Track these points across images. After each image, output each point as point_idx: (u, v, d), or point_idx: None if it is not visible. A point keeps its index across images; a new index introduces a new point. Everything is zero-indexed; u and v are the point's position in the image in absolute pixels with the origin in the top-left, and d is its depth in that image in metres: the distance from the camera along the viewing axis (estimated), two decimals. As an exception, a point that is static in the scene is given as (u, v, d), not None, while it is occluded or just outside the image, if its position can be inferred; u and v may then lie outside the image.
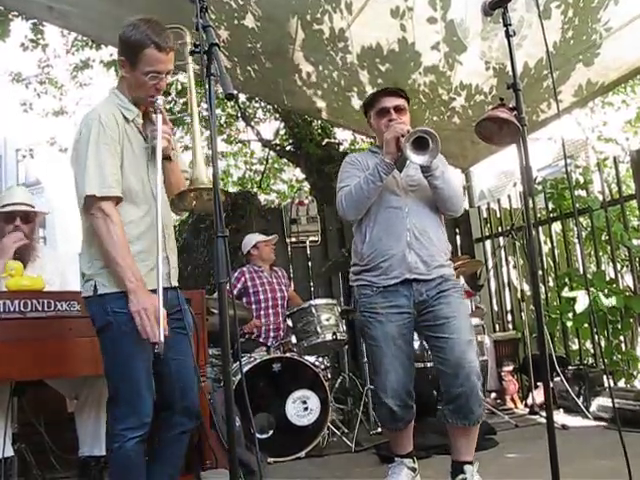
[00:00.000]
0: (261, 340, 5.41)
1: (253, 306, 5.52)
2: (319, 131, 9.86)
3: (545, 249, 7.05)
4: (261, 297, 5.60)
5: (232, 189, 11.37)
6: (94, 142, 2.47)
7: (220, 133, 10.76)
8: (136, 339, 2.42)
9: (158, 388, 2.60)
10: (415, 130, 2.97)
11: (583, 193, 6.42)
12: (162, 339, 2.30)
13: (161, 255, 2.38)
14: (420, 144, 2.97)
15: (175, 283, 2.73)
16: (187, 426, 2.70)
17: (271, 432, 4.45)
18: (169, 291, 2.59)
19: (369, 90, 5.88)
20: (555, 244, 6.74)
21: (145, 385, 2.52)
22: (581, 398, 5.22)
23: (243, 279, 5.63)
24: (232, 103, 9.91)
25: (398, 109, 3.31)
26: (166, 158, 2.65)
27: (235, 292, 5.48)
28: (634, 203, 6.09)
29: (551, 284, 6.63)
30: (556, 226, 6.91)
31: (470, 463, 3.12)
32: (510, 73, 2.17)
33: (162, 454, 2.68)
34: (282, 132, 10.44)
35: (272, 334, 5.50)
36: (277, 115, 10.18)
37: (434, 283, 3.22)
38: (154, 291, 2.43)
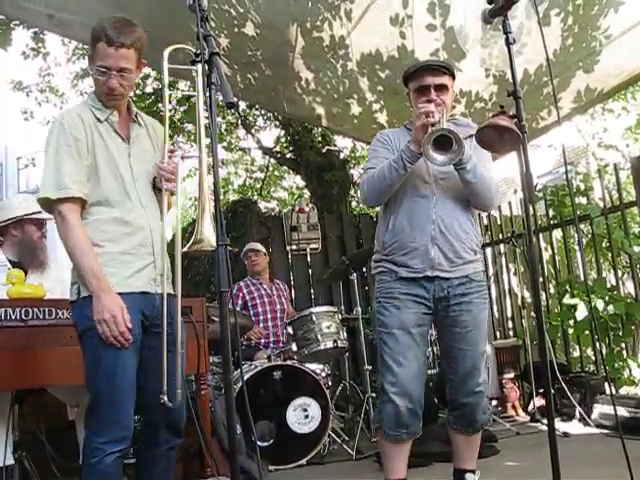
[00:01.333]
0: (261, 347, 5.40)
1: (252, 319, 5.51)
2: (319, 138, 9.88)
3: (546, 256, 7.04)
4: (259, 310, 5.58)
5: (232, 197, 11.39)
6: (54, 144, 2.43)
7: (220, 141, 10.78)
8: (120, 350, 2.36)
9: (141, 404, 2.50)
10: (438, 129, 2.74)
11: (584, 200, 6.42)
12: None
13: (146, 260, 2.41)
14: (443, 143, 2.73)
15: (166, 290, 2.55)
16: (173, 442, 2.62)
17: (272, 440, 4.44)
18: (155, 298, 2.52)
19: (369, 97, 5.89)
20: (556, 251, 6.74)
21: (127, 396, 2.41)
22: (582, 405, 5.20)
23: (241, 294, 5.61)
24: (232, 111, 9.92)
25: (440, 87, 3.02)
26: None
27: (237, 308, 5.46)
28: (635, 210, 6.09)
29: (552, 291, 6.63)
30: (557, 233, 6.91)
31: (472, 472, 3.07)
32: (510, 80, 2.17)
33: (150, 472, 2.60)
34: (282, 140, 10.46)
35: (272, 345, 5.49)
36: (277, 123, 10.20)
37: (457, 282, 3.00)
38: (140, 293, 2.45)
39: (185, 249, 2.44)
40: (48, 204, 2.43)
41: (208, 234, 2.38)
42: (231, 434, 1.78)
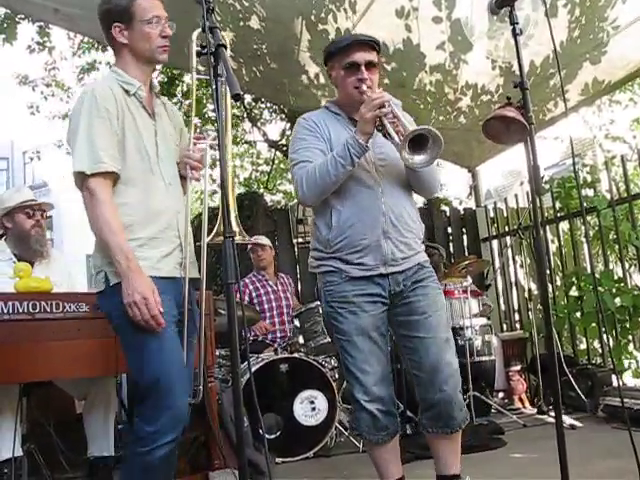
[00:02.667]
0: (268, 342, 5.40)
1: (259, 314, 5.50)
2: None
3: (552, 248, 7.02)
4: (265, 306, 5.56)
5: (238, 190, 11.40)
6: (86, 115, 2.29)
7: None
8: (164, 329, 2.25)
9: None
10: (416, 129, 2.47)
11: (590, 192, 6.40)
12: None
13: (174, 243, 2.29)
14: (416, 140, 2.47)
15: (190, 274, 2.45)
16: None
17: (279, 432, 4.45)
18: (180, 283, 2.41)
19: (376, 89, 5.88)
20: (562, 243, 6.72)
21: (178, 381, 2.27)
22: (589, 398, 5.20)
23: (247, 290, 5.60)
24: (238, 104, 9.93)
25: (370, 65, 2.76)
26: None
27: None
28: (641, 202, 6.07)
29: (558, 283, 6.61)
30: (563, 225, 6.89)
31: (458, 477, 2.74)
32: (517, 72, 2.16)
33: None
34: (288, 132, 10.47)
35: (279, 340, 5.49)
36: (283, 115, 10.21)
37: (411, 272, 2.77)
38: (167, 279, 2.33)
39: (208, 239, 2.47)
40: (81, 179, 2.28)
41: (233, 225, 2.34)
42: (239, 426, 1.78)
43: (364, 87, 2.71)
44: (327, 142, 2.78)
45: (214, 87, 1.78)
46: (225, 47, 1.78)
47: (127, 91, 2.40)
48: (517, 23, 2.05)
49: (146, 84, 2.49)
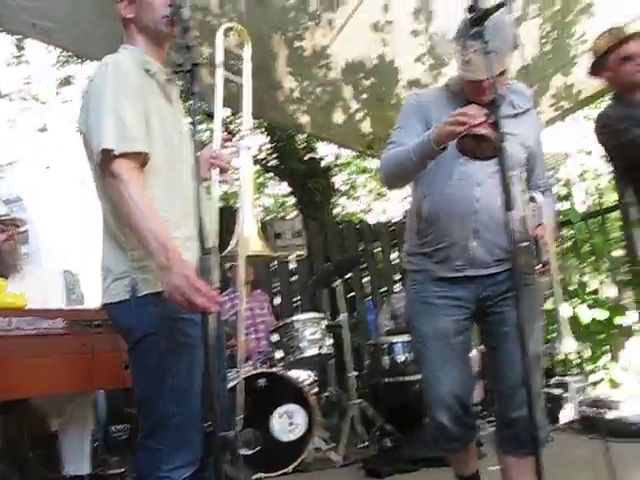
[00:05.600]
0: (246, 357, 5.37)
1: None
2: (303, 145, 9.91)
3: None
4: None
5: (218, 203, 11.37)
6: (111, 87, 1.99)
7: (203, 148, 10.76)
8: (195, 352, 1.94)
9: None
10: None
11: (565, 205, 6.48)
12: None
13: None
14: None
15: (216, 284, 2.08)
16: None
17: (257, 448, 4.43)
18: None
19: (353, 105, 5.93)
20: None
21: (198, 409, 2.02)
22: (566, 409, 5.25)
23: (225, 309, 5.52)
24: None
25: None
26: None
27: None
28: (615, 214, 6.16)
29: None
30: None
31: None
32: (490, 88, 2.18)
33: None
34: (266, 147, 10.48)
35: (256, 355, 5.44)
36: (261, 130, 10.21)
37: (502, 277, 2.54)
38: None
39: (227, 251, 2.22)
40: (107, 160, 1.93)
41: (252, 236, 2.20)
42: (216, 445, 1.76)
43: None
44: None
45: (190, 106, 1.77)
46: (201, 66, 1.78)
47: (147, 70, 2.14)
48: (488, 41, 2.08)
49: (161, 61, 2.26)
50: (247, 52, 2.53)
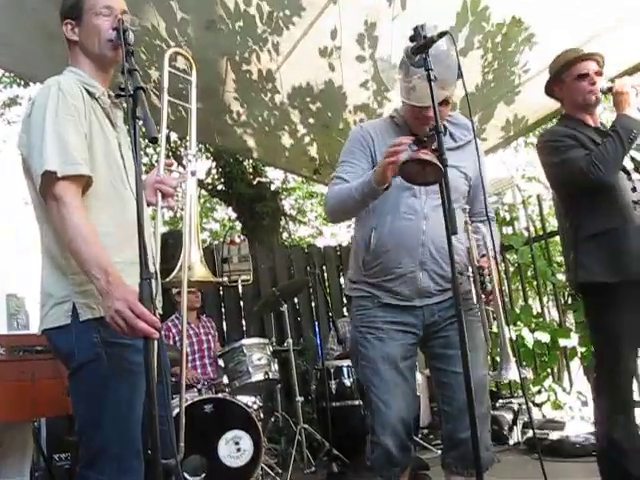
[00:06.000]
0: (191, 383, 5.29)
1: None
2: (250, 170, 9.92)
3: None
4: (187, 350, 5.42)
5: (162, 228, 11.28)
6: (53, 111, 1.95)
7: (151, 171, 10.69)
8: (136, 378, 1.92)
9: None
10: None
11: (510, 229, 6.62)
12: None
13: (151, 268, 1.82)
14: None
15: (159, 311, 2.11)
16: None
17: (203, 474, 4.36)
18: None
19: (300, 129, 5.96)
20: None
21: (140, 436, 1.99)
22: (511, 430, 5.32)
23: (171, 335, 5.42)
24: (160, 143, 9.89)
25: (442, 103, 2.52)
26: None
27: None
28: (557, 239, 6.31)
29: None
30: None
31: None
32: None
33: None
34: (214, 171, 10.46)
35: (202, 381, 5.38)
36: (208, 154, 10.19)
37: (448, 303, 2.62)
38: None
39: (172, 277, 2.18)
40: (49, 182, 1.89)
41: (196, 263, 2.18)
42: (157, 473, 1.72)
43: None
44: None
45: (132, 130, 1.75)
46: (144, 90, 1.76)
47: (91, 94, 2.11)
48: (431, 69, 2.12)
49: (106, 91, 2.23)
50: (194, 77, 2.53)
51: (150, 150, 10.50)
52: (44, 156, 1.90)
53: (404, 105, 2.70)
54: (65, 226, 1.87)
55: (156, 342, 1.82)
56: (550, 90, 3.14)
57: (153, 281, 1.80)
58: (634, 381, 2.92)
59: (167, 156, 11.00)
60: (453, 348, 2.53)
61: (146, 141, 1.86)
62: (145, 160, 10.55)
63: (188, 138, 2.54)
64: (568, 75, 2.99)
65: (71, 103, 1.99)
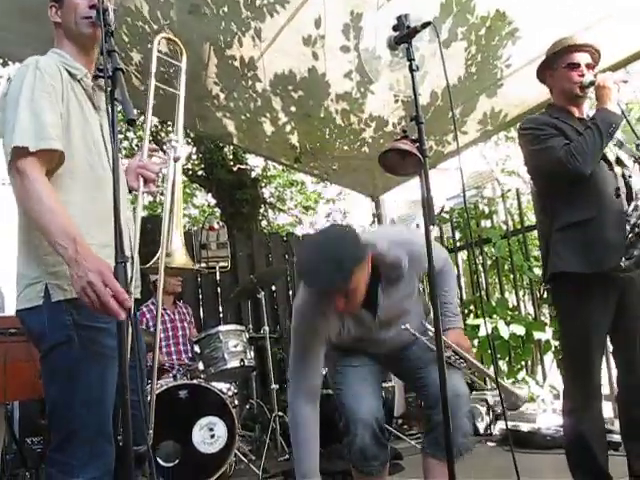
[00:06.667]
0: (166, 368, 5.28)
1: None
2: (231, 157, 9.87)
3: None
4: (162, 335, 5.41)
5: (142, 213, 11.20)
6: (29, 88, 1.95)
7: (131, 156, 10.61)
8: (109, 362, 1.93)
9: None
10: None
11: (489, 223, 6.65)
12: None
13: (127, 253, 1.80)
14: None
15: (135, 295, 2.12)
16: None
17: (177, 460, 4.35)
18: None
19: (282, 116, 5.94)
20: (462, 272, 6.93)
21: (110, 421, 1.98)
22: (485, 421, 5.38)
23: (145, 320, 5.39)
24: (145, 126, 9.82)
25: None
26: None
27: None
28: (535, 233, 6.35)
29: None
30: (462, 254, 7.12)
31: None
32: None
33: None
34: (194, 157, 10.40)
35: (176, 366, 5.36)
36: (189, 139, 10.13)
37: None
38: None
39: (151, 263, 2.16)
40: (18, 157, 1.90)
41: (177, 250, 2.17)
42: (129, 456, 1.71)
43: None
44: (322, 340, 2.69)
45: (110, 111, 1.73)
46: (123, 71, 1.74)
47: (72, 75, 2.12)
48: (413, 59, 2.12)
49: (90, 73, 2.21)
50: (184, 63, 2.54)
51: (130, 134, 10.42)
52: (16, 131, 1.90)
53: None
54: (29, 198, 1.86)
55: (131, 326, 1.81)
56: (541, 75, 3.15)
57: (128, 265, 1.78)
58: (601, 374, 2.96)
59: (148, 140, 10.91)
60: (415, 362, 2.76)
61: (127, 125, 1.87)
62: (125, 144, 10.47)
63: (174, 124, 2.53)
64: (559, 62, 3.00)
65: (48, 82, 1.99)
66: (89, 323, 1.92)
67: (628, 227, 2.74)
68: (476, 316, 6.18)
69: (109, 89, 1.74)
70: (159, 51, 2.88)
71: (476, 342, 5.77)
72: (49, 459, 1.99)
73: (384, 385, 5.27)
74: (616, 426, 3.92)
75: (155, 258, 2.21)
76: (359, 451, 2.66)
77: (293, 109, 5.82)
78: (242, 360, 4.80)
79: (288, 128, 6.13)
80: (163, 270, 2.23)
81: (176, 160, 2.39)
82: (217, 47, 5.10)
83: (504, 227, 6.39)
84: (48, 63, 2.05)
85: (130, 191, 2.32)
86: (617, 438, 3.52)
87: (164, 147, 2.59)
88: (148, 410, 2.19)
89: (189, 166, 10.47)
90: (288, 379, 2.74)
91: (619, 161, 2.94)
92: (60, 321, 1.93)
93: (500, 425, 5.24)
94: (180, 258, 2.27)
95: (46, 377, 2.01)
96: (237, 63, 5.22)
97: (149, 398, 2.48)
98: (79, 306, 1.85)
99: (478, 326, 5.80)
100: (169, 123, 9.91)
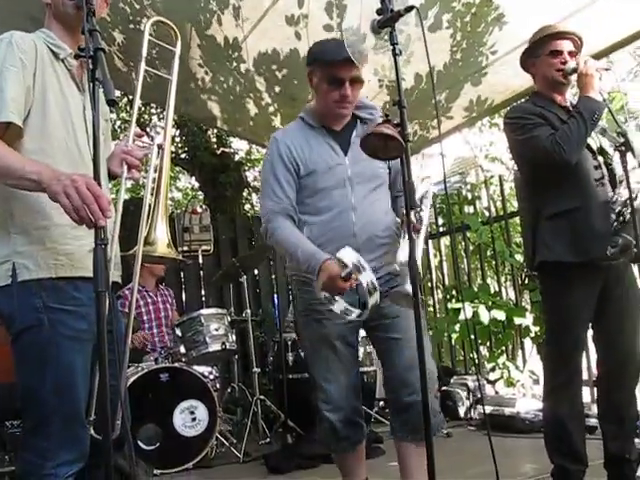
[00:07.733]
0: (148, 350, 5.26)
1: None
2: (214, 140, 9.81)
3: (435, 262, 7.26)
4: (144, 318, 5.37)
5: (125, 196, 11.13)
6: None
7: (114, 138, 10.52)
8: (80, 346, 1.93)
9: None
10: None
11: (472, 209, 6.68)
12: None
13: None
14: None
15: (114, 278, 2.11)
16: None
17: (158, 443, 4.36)
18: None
19: (266, 97, 5.90)
20: (444, 257, 6.97)
21: (83, 404, 1.96)
22: (465, 406, 5.43)
23: (127, 302, 5.36)
24: (128, 108, 9.73)
25: (354, 81, 2.80)
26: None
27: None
28: (517, 220, 6.38)
29: (440, 296, 6.84)
30: (445, 240, 7.15)
31: None
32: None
33: None
34: (177, 139, 10.33)
35: (159, 349, 5.35)
36: (172, 122, 10.05)
37: (381, 281, 2.58)
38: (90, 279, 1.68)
39: (134, 250, 2.11)
40: None
41: (161, 238, 2.13)
42: (107, 438, 1.71)
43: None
44: (300, 166, 2.71)
45: (91, 92, 1.71)
46: (104, 51, 1.72)
47: (55, 54, 2.10)
48: (397, 44, 2.10)
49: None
50: (178, 48, 2.52)
51: (113, 115, 10.32)
52: None
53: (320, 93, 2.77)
54: None
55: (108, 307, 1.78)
56: (524, 63, 3.15)
57: (108, 247, 1.71)
58: (583, 360, 2.99)
59: (130, 122, 10.80)
60: (388, 318, 2.64)
61: (108, 106, 1.84)
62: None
63: (165, 110, 2.51)
64: (542, 50, 3.00)
65: (18, 56, 1.96)
66: (59, 306, 1.92)
67: (613, 215, 2.76)
68: (458, 301, 6.21)
69: (90, 69, 1.72)
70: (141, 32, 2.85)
71: (457, 327, 5.80)
72: (22, 443, 2.00)
73: (366, 369, 5.28)
74: (593, 411, 3.98)
75: (137, 247, 2.19)
76: (329, 431, 2.70)
77: (277, 89, 5.78)
78: (224, 343, 4.81)
79: (271, 110, 6.09)
80: (145, 258, 2.19)
81: (160, 147, 2.34)
82: (198, 27, 5.05)
83: (487, 213, 6.41)
84: (23, 38, 2.02)
85: (114, 177, 2.29)
86: (594, 422, 3.55)
87: (148, 130, 2.56)
88: (125, 395, 2.17)
89: (172, 149, 10.39)
90: (264, 213, 2.75)
91: (601, 150, 2.96)
92: (30, 304, 1.91)
93: (480, 409, 5.29)
94: (162, 248, 2.24)
95: (17, 361, 1.98)
96: (220, 43, 5.18)
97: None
98: (48, 288, 1.87)
99: (459, 310, 5.83)
100: (152, 105, 9.84)
